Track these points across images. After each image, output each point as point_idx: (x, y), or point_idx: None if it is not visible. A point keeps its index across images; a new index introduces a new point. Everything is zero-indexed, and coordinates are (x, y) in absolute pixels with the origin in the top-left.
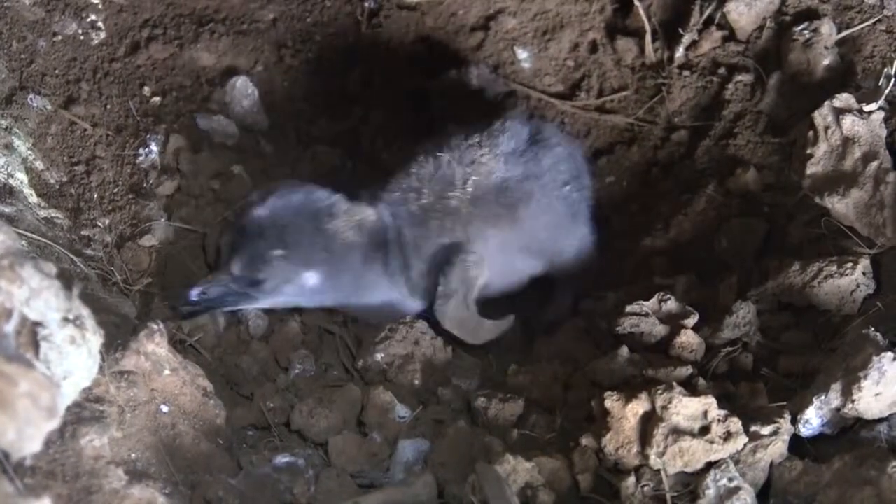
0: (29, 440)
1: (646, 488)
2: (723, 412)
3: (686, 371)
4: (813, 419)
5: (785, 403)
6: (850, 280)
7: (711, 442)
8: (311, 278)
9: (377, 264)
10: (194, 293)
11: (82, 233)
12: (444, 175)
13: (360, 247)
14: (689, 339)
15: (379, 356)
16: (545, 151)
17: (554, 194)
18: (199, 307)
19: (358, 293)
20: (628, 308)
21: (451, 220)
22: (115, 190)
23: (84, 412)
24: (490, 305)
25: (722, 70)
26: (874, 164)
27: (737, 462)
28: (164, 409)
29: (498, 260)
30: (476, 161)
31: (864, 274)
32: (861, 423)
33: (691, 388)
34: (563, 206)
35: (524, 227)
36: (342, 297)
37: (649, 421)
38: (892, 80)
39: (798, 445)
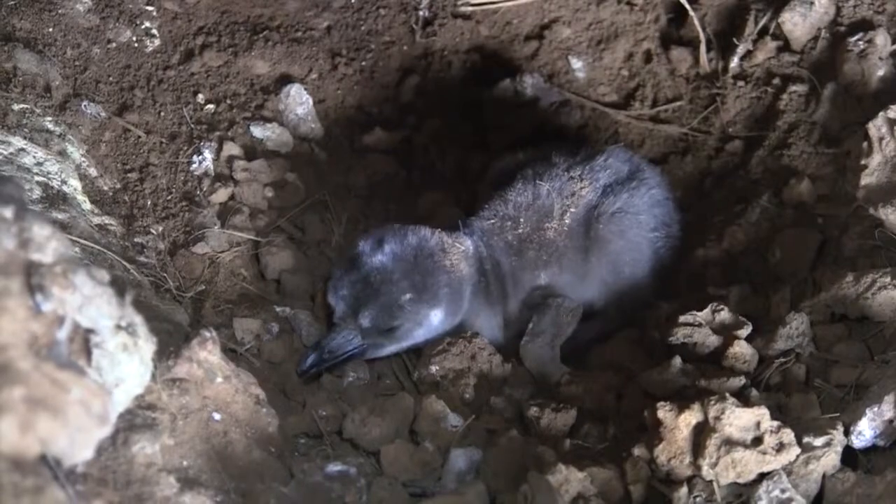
0: (80, 447)
1: (698, 499)
2: (775, 423)
3: (739, 382)
4: (866, 431)
5: (838, 415)
6: None
7: (764, 453)
8: (437, 316)
9: (481, 294)
10: (312, 356)
11: (135, 240)
12: (542, 206)
13: (468, 278)
14: (742, 349)
15: (434, 368)
16: (644, 190)
17: (643, 234)
18: (322, 365)
19: (468, 323)
20: (681, 318)
21: (547, 252)
22: (169, 197)
23: (136, 419)
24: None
25: (776, 80)
26: None
27: (789, 473)
28: (217, 416)
29: (578, 289)
30: (576, 194)
31: None
32: None
33: (744, 399)
34: (648, 250)
35: (609, 261)
36: (457, 329)
37: (702, 432)
38: None
39: (850, 457)
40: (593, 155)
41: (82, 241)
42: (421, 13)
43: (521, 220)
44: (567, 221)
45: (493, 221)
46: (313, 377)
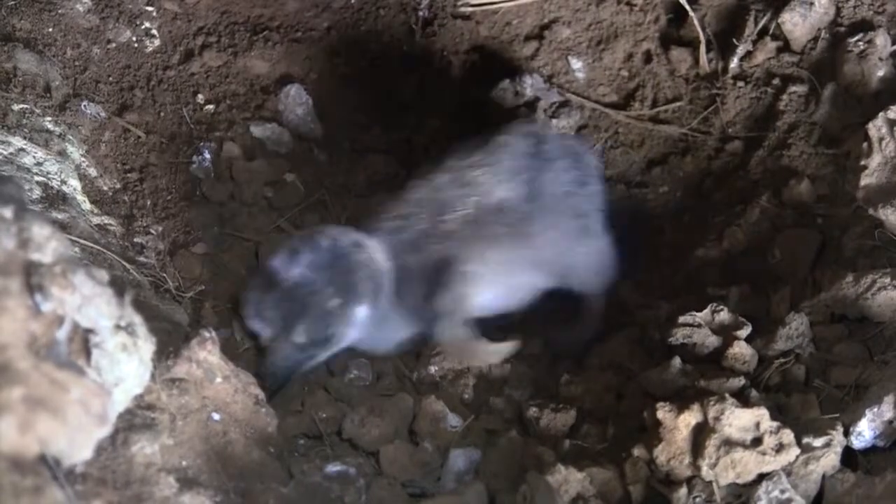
0: (80, 447)
1: (697, 499)
2: (775, 424)
3: (738, 382)
4: (865, 431)
5: (837, 415)
6: None
7: (763, 453)
8: (362, 311)
9: (393, 296)
10: (267, 370)
11: (135, 240)
12: (441, 199)
13: (387, 269)
14: (741, 350)
15: (433, 369)
16: (545, 167)
17: (558, 209)
18: (282, 382)
19: (383, 326)
20: (681, 319)
21: (450, 242)
22: (169, 197)
23: (135, 419)
24: (510, 326)
25: (776, 81)
26: None
27: (789, 474)
28: (216, 416)
29: (502, 279)
30: (472, 182)
31: None
32: None
33: (744, 400)
34: (571, 220)
35: (528, 245)
36: (372, 329)
37: (701, 432)
38: None
39: (850, 458)
40: (487, 140)
41: (82, 241)
42: (420, 13)
43: (422, 215)
44: (469, 210)
45: (393, 222)
46: (276, 391)
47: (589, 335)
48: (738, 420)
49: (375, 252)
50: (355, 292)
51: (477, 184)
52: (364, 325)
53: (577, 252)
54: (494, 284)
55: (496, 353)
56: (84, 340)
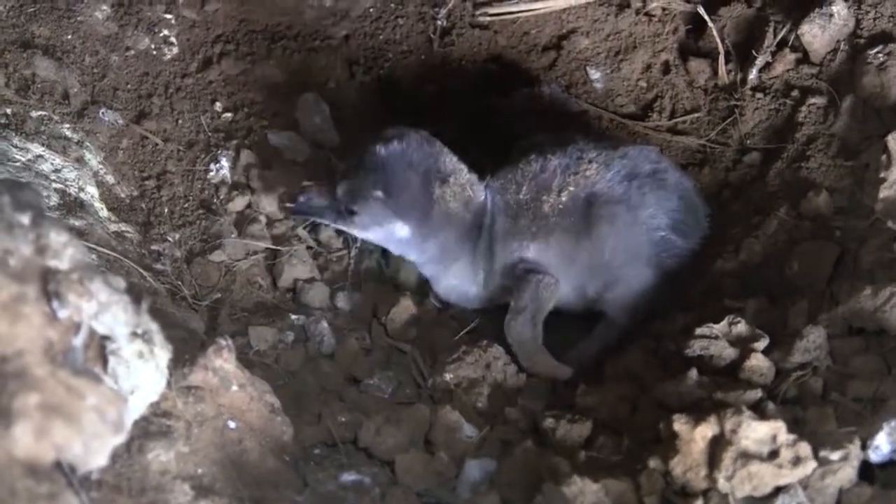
0: (95, 454)
1: None
2: (792, 437)
3: (755, 395)
4: (883, 445)
5: (854, 429)
6: None
7: (780, 466)
8: (402, 230)
9: (468, 243)
10: (302, 197)
11: (152, 247)
12: (545, 179)
13: (458, 222)
14: (758, 362)
15: (448, 376)
16: (657, 188)
17: (642, 229)
18: (303, 210)
19: (442, 263)
20: (698, 330)
21: (538, 224)
22: (186, 205)
23: (151, 427)
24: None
25: (795, 92)
26: None
27: (805, 487)
28: (232, 424)
29: (564, 270)
30: (580, 174)
31: None
32: None
33: (760, 412)
34: (645, 244)
35: (594, 243)
36: (426, 259)
37: (718, 444)
38: None
39: (867, 471)
40: (617, 146)
41: (99, 248)
42: (439, 23)
43: (525, 187)
44: (563, 199)
45: (501, 182)
46: (297, 215)
47: (591, 354)
48: (755, 433)
49: (465, 202)
50: (399, 206)
51: (583, 176)
52: (403, 243)
53: (629, 270)
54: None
55: (552, 367)
56: (100, 347)
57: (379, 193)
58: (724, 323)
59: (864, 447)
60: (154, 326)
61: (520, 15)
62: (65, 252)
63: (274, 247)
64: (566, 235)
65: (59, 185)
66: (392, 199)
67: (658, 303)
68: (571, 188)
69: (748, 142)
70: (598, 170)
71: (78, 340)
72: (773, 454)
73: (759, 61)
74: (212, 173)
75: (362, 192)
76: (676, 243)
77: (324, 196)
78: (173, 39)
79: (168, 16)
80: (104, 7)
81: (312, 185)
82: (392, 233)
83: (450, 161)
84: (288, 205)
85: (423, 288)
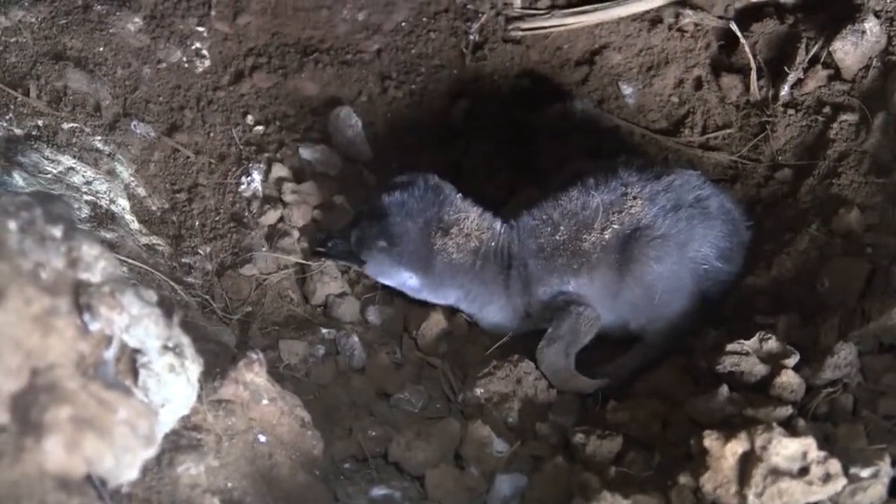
0: (126, 467)
1: None
2: (822, 453)
3: (786, 411)
4: None
5: (885, 446)
6: None
7: (810, 483)
8: (410, 279)
9: (497, 286)
10: (330, 243)
11: (183, 260)
12: (586, 217)
13: (468, 271)
14: (789, 379)
15: (479, 391)
16: (701, 219)
17: (688, 264)
18: (332, 255)
19: (474, 305)
20: (729, 347)
21: (578, 262)
22: (217, 218)
23: (181, 440)
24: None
25: (827, 109)
26: None
27: None
28: (262, 438)
29: (608, 304)
30: (624, 212)
31: None
32: None
33: (791, 429)
34: (691, 277)
35: (641, 280)
36: (453, 303)
37: (748, 461)
38: None
39: None
40: (660, 175)
41: (130, 260)
42: (471, 37)
43: (562, 227)
44: (606, 237)
45: (535, 223)
46: (320, 256)
47: (628, 371)
48: (786, 449)
49: (471, 248)
50: (402, 256)
51: (628, 214)
52: (418, 290)
53: (671, 305)
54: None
55: (591, 386)
56: (131, 360)
57: (383, 244)
58: (754, 339)
59: (894, 464)
60: (185, 340)
61: (552, 30)
62: (96, 265)
63: (304, 261)
64: (610, 272)
65: (90, 198)
66: (395, 249)
67: (694, 324)
68: (616, 226)
69: (780, 158)
70: (643, 205)
71: (109, 353)
72: (804, 471)
73: (791, 78)
74: (243, 186)
75: (367, 242)
76: (722, 271)
77: (340, 241)
78: (205, 52)
79: (200, 28)
80: (136, 19)
81: (337, 231)
82: (403, 282)
83: (454, 210)
84: (318, 249)
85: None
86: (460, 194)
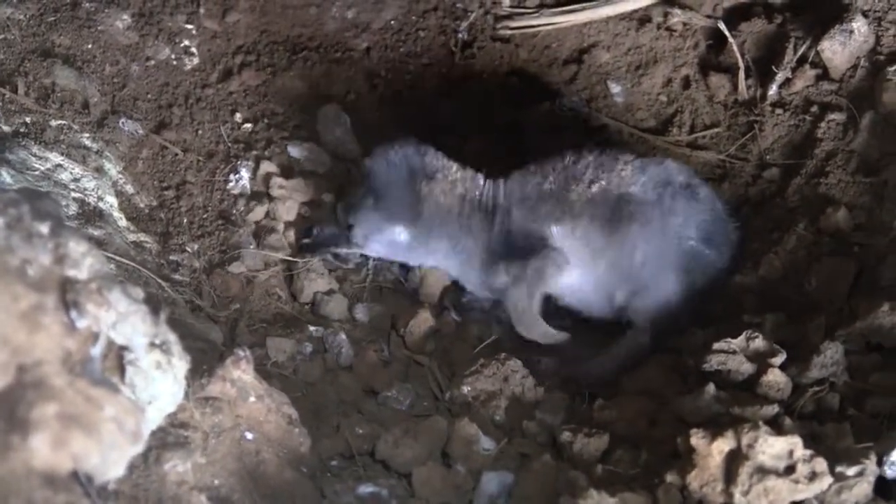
0: (113, 464)
1: None
2: (808, 452)
3: (772, 410)
4: None
5: (871, 444)
6: None
7: (797, 482)
8: (401, 234)
9: (483, 233)
10: (315, 230)
11: (171, 257)
12: (575, 171)
13: (456, 215)
14: (776, 377)
15: (466, 389)
16: (691, 201)
17: (673, 236)
18: (319, 242)
19: (459, 258)
20: (716, 345)
21: (562, 209)
22: (205, 215)
23: (168, 437)
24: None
25: (815, 108)
26: None
27: (821, 502)
28: (249, 435)
29: (588, 263)
30: (614, 171)
31: None
32: None
33: (777, 427)
34: (675, 252)
35: (618, 244)
36: (440, 259)
37: (735, 459)
38: None
39: (883, 487)
40: (653, 159)
41: (118, 257)
42: (460, 36)
43: (551, 177)
44: (593, 190)
45: (521, 174)
46: (309, 250)
47: (615, 363)
48: (772, 448)
49: (459, 193)
50: (389, 209)
51: (617, 175)
52: (409, 248)
53: (656, 276)
54: (574, 268)
55: (551, 336)
56: (118, 357)
57: (370, 201)
58: (741, 338)
59: (880, 463)
60: (172, 337)
61: (541, 29)
62: (84, 262)
63: (291, 258)
64: (593, 225)
65: (78, 195)
66: (382, 204)
67: (683, 318)
68: (603, 182)
69: (767, 157)
70: (633, 172)
71: (96, 350)
72: (790, 469)
73: (779, 77)
74: (231, 184)
75: (355, 204)
76: (705, 255)
77: (328, 224)
78: (194, 50)
79: (189, 26)
80: (125, 17)
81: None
82: (393, 240)
83: (437, 160)
84: (304, 241)
85: (442, 301)
86: (438, 150)
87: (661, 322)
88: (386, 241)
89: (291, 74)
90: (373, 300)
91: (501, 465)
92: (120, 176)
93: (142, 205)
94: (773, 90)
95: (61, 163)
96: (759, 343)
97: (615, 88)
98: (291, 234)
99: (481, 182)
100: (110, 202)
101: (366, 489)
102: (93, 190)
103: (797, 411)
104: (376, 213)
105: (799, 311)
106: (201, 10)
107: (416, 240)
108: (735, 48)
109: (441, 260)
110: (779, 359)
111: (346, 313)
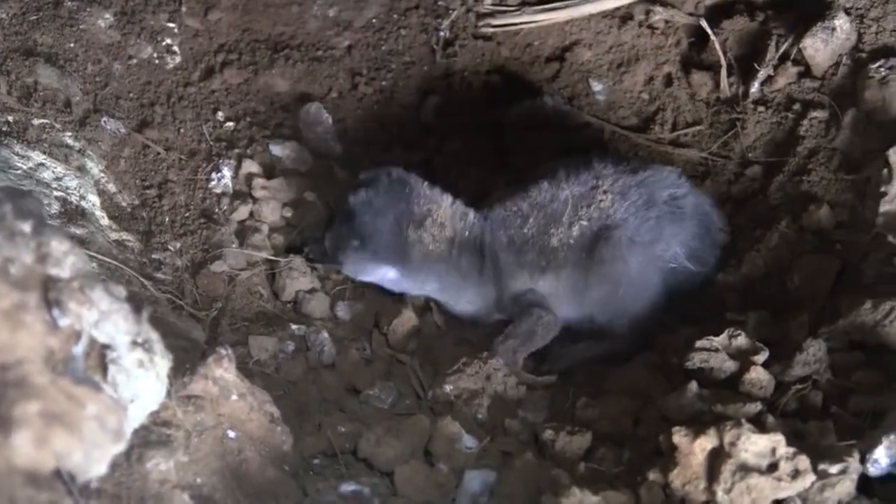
0: (95, 463)
1: None
2: (791, 450)
3: (755, 408)
4: (882, 459)
5: (854, 442)
6: None
7: (779, 479)
8: (389, 273)
9: (472, 273)
10: (306, 249)
11: (153, 256)
12: (554, 210)
13: (446, 259)
14: (758, 375)
15: (448, 388)
16: (671, 219)
17: (656, 264)
18: (317, 260)
19: (448, 293)
20: (698, 343)
21: (546, 258)
22: (187, 214)
23: (151, 436)
24: None
25: (797, 106)
26: None
27: (804, 500)
28: (231, 434)
29: (573, 302)
30: (593, 206)
31: None
32: None
33: (760, 425)
34: (658, 275)
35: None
36: (429, 292)
37: (717, 457)
38: None
39: (866, 485)
40: (636, 170)
41: (100, 256)
42: (441, 34)
43: (531, 219)
44: (574, 233)
45: (506, 214)
46: (310, 261)
47: (584, 356)
48: (755, 445)
49: (446, 237)
50: (377, 252)
51: (597, 208)
52: (398, 283)
53: (636, 300)
54: (559, 307)
55: (538, 384)
56: (101, 356)
57: (355, 243)
58: (724, 336)
59: (863, 461)
60: (154, 335)
61: (523, 26)
62: (66, 260)
63: (274, 258)
64: (576, 272)
65: (60, 194)
66: (369, 247)
67: (664, 320)
68: (584, 222)
69: (750, 155)
70: (613, 200)
71: (78, 349)
72: (773, 467)
73: (762, 75)
74: (213, 183)
75: (341, 244)
76: (690, 271)
77: (318, 246)
78: (176, 48)
79: (171, 25)
80: (107, 15)
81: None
82: (383, 277)
83: (424, 201)
84: (310, 256)
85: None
86: (427, 183)
87: (637, 331)
88: (376, 277)
89: (273, 73)
90: (355, 298)
91: (484, 463)
92: (102, 174)
93: (124, 203)
94: (755, 88)
95: (43, 161)
96: (741, 341)
97: (597, 86)
98: (275, 236)
99: (472, 219)
100: (92, 201)
101: (348, 487)
102: (75, 189)
103: (780, 409)
104: (363, 255)
105: (782, 309)
106: (183, 9)
107: (406, 278)
108: (717, 46)
109: (433, 293)
110: (761, 356)
111: (329, 312)
